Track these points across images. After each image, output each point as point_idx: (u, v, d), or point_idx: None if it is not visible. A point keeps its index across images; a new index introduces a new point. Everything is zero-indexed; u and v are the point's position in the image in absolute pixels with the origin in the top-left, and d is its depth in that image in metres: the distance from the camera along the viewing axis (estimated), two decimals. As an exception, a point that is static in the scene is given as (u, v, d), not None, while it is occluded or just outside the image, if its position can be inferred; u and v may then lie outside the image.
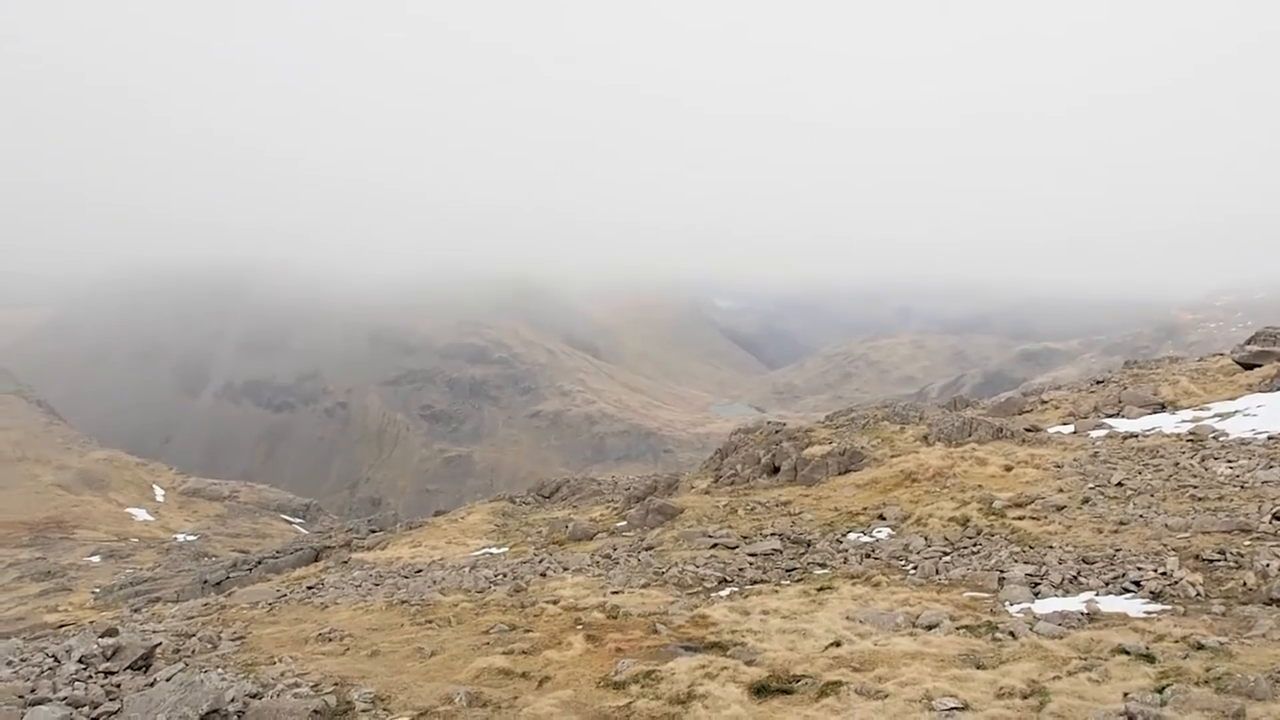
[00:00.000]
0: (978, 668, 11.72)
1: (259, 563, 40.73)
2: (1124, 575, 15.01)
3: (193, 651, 16.51)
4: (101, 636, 15.34)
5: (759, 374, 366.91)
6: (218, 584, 38.24)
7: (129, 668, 14.13)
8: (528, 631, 15.91)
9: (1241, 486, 19.03)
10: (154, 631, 18.75)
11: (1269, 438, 23.20)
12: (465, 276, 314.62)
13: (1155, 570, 14.88)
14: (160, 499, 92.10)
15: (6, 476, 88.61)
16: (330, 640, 16.79)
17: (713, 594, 18.47)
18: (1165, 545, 16.22)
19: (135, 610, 32.57)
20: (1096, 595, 14.51)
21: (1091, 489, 21.06)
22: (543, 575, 22.41)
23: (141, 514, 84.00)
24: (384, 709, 12.22)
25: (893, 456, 28.80)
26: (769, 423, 39.48)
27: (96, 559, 62.01)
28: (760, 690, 11.82)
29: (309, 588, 26.46)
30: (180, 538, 74.71)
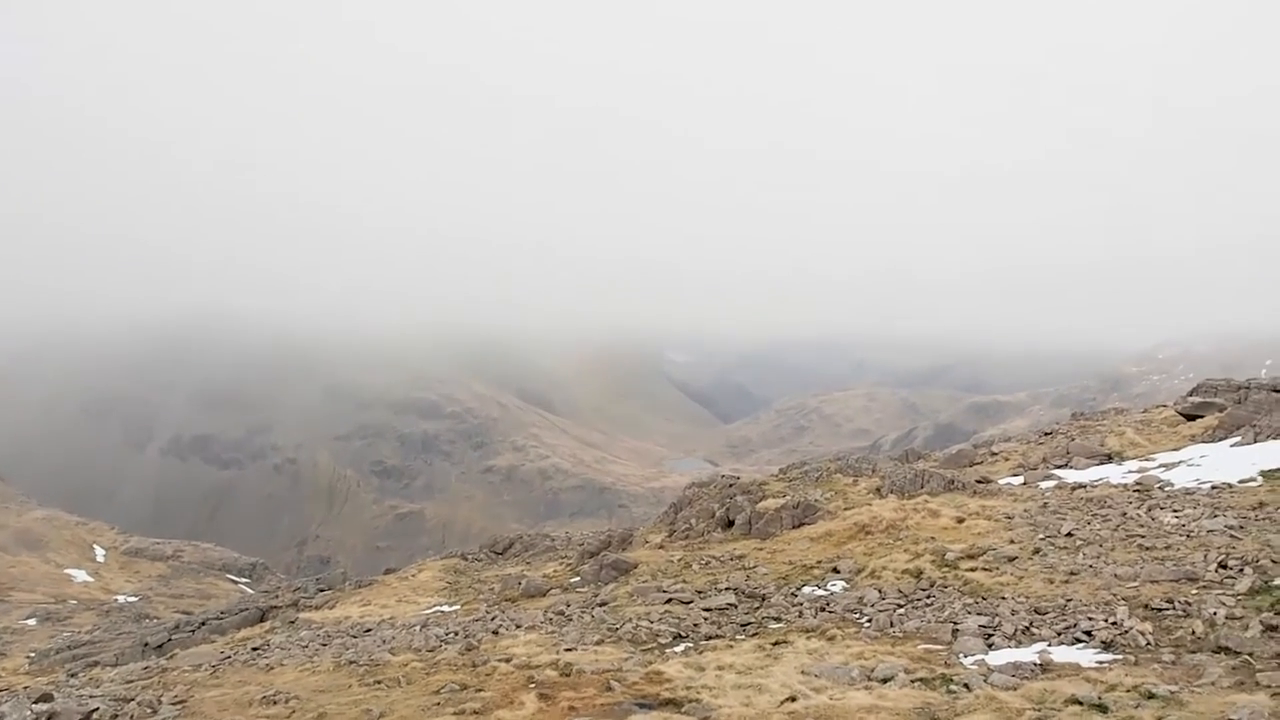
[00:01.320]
0: (933, 721, 11.70)
1: (202, 624, 39.79)
2: (1076, 625, 15.10)
3: (131, 717, 16.07)
4: (36, 702, 14.90)
5: (713, 428, 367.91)
6: (159, 646, 37.26)
7: (64, 734, 13.71)
8: (479, 691, 15.66)
9: (1188, 535, 19.28)
10: (91, 696, 18.23)
11: (1213, 487, 23.59)
12: (417, 329, 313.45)
13: (1106, 620, 14.99)
14: (101, 559, 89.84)
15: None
16: (275, 703, 16.41)
17: (667, 650, 18.31)
18: (1115, 595, 16.36)
19: (72, 675, 31.62)
20: (1049, 645, 14.58)
21: (1042, 539, 21.22)
22: (495, 633, 22.10)
23: (81, 575, 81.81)
24: (330, 773, 11.94)
25: (846, 509, 28.89)
26: (723, 476, 39.51)
27: (32, 622, 60.22)
28: (715, 747, 11.71)
29: (254, 649, 25.90)
30: (121, 599, 72.88)
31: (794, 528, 28.89)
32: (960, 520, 24.75)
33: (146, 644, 38.12)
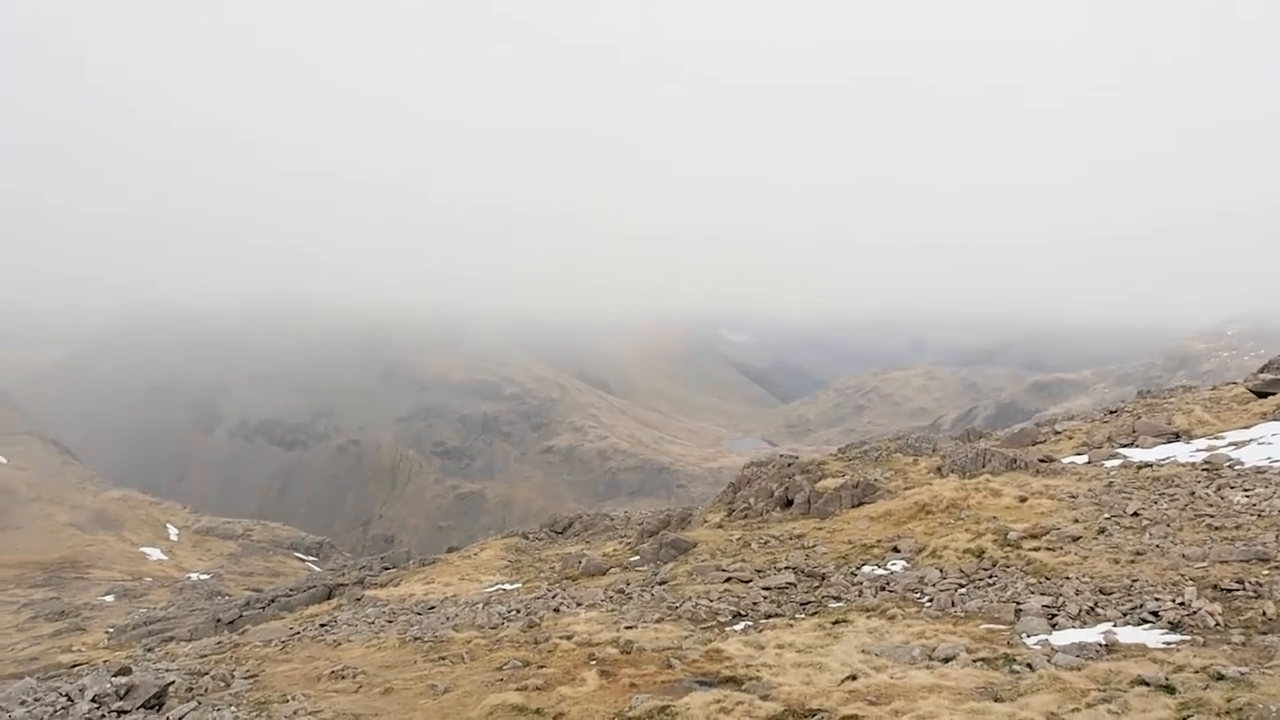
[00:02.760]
0: (995, 700, 11.61)
1: (272, 601, 40.65)
2: (1142, 606, 14.88)
3: (205, 690, 16.47)
4: (115, 675, 15.33)
5: (771, 407, 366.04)
6: (231, 622, 38.17)
7: (142, 706, 14.11)
8: (541, 667, 15.84)
9: (1258, 515, 18.86)
10: (167, 670, 18.71)
11: (1285, 466, 23.02)
12: (477, 311, 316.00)
13: (1173, 600, 14.75)
14: (174, 538, 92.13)
15: (22, 516, 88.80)
16: (343, 678, 16.74)
17: (727, 628, 18.37)
18: (1183, 575, 16.08)
19: (149, 649, 32.54)
20: (1114, 626, 14.39)
21: (1107, 519, 20.90)
22: (556, 611, 22.30)
23: (155, 553, 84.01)
24: (397, 746, 12.16)
25: (906, 489, 28.67)
26: (781, 456, 39.38)
27: (110, 598, 61.98)
28: (776, 725, 11.73)
29: (322, 625, 26.39)
30: (194, 577, 74.69)
31: (853, 507, 28.74)
32: (1023, 499, 24.44)
33: (219, 620, 39.06)
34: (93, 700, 13.97)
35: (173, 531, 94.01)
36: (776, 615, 18.95)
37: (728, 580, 22.82)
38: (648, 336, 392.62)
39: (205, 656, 22.21)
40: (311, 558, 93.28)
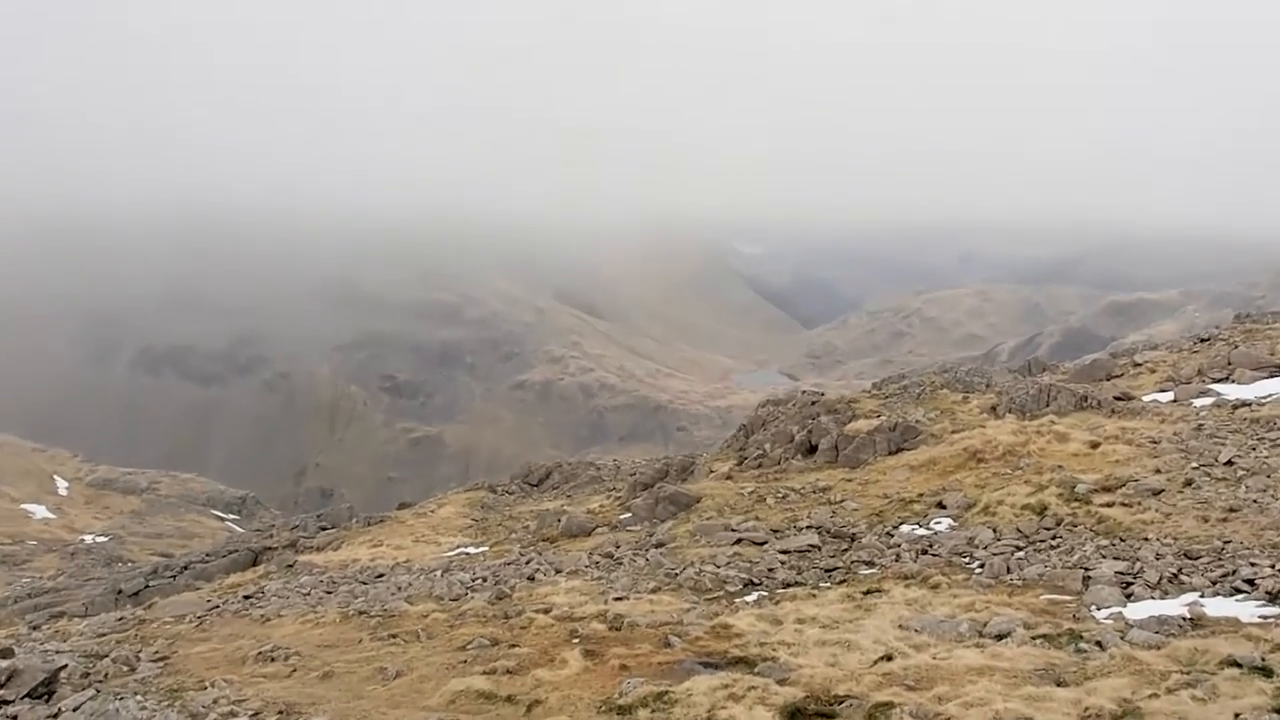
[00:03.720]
0: (1058, 685, 11.68)
1: (184, 568, 40.91)
2: (1235, 573, 15.00)
3: (105, 675, 16.50)
4: (-4, 657, 15.35)
5: (792, 334, 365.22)
6: (135, 594, 38.40)
7: (27, 695, 14.16)
8: (513, 647, 15.93)
9: (1378, 464, 18.97)
10: (57, 652, 18.79)
11: None
12: (434, 218, 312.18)
13: (1273, 567, 14.86)
14: (63, 492, 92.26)
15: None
16: (273, 660, 16.83)
17: (736, 599, 18.53)
18: (1286, 536, 16.19)
19: (34, 627, 32.67)
20: (1201, 597, 14.52)
21: (1195, 469, 20.99)
22: (530, 579, 22.46)
23: (41, 511, 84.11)
24: (340, 741, 12.23)
25: (954, 432, 28.77)
26: (804, 393, 39.51)
27: (-12, 566, 62.17)
28: (796, 714, 11.80)
29: (246, 598, 26.55)
30: (88, 539, 74.87)
31: (890, 454, 28.89)
32: (1094, 445, 24.56)
33: (120, 591, 39.31)
34: (-32, 687, 14.00)
35: (61, 485, 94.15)
36: (797, 584, 19.12)
37: (738, 542, 22.99)
38: (643, 249, 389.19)
39: (104, 636, 22.29)
40: (232, 516, 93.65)
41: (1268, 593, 14.15)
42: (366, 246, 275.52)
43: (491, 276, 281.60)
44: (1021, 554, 18.42)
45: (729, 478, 32.02)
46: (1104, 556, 17.10)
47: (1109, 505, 19.93)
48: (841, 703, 11.94)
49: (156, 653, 18.31)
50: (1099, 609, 14.82)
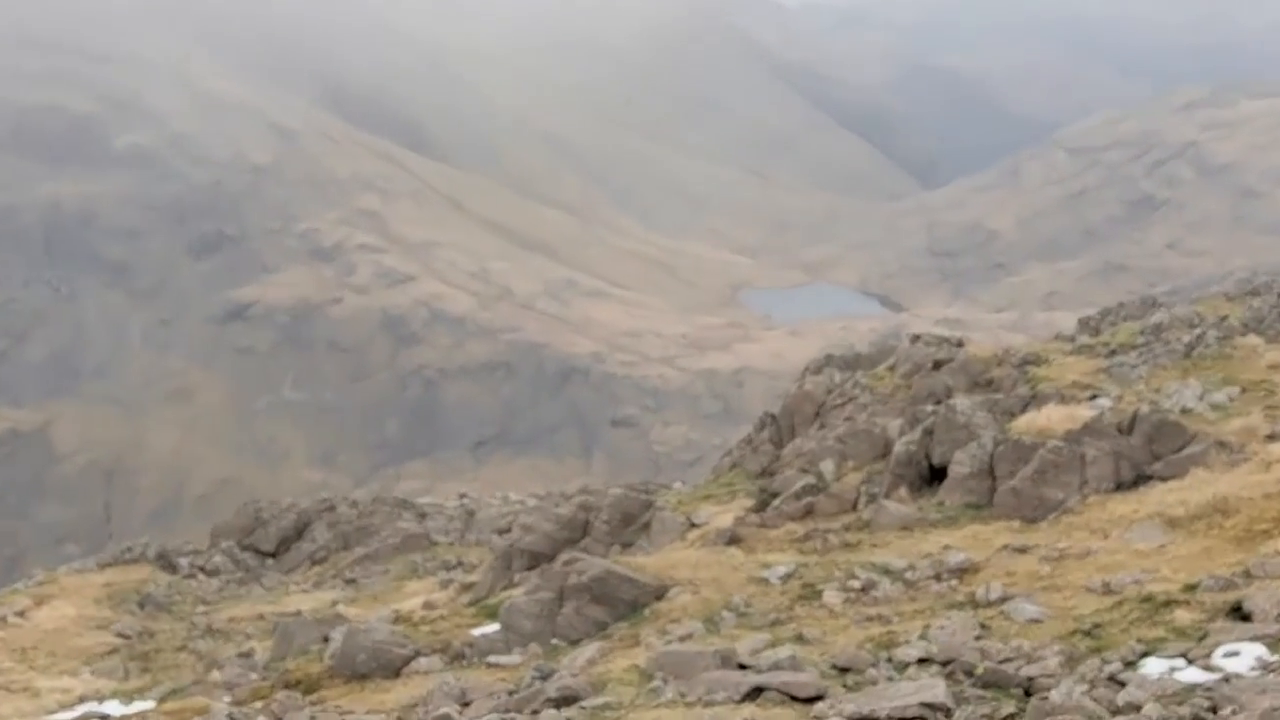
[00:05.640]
0: None
1: None
2: None
3: None
4: None
5: (891, 200, 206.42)
6: None
7: None
8: None
9: None
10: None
11: None
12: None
13: None
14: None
15: None
16: None
17: None
18: None
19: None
20: None
21: None
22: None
23: None
24: None
25: (1271, 439, 16.88)
26: (915, 339, 25.79)
27: None
28: None
29: None
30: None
31: (1119, 488, 16.70)
32: None
33: None
34: None
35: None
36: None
37: (750, 694, 10.89)
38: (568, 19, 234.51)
39: None
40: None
41: None
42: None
43: (168, 60, 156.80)
44: None
45: (735, 539, 18.64)
46: None
47: None
48: None
49: None
50: None
